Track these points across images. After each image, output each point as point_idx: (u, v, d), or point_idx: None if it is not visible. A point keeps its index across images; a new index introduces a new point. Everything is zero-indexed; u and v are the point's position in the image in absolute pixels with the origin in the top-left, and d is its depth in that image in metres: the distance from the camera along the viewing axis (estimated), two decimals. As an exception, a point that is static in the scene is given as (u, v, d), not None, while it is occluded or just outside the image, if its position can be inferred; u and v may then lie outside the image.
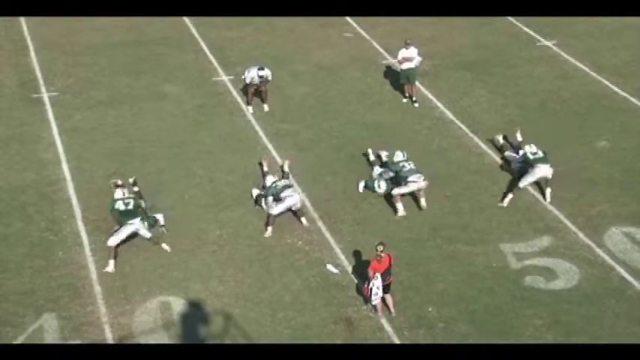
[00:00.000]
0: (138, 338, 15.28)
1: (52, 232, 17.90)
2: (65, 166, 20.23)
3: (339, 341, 15.14)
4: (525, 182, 18.81)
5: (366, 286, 15.50)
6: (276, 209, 17.90)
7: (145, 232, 17.22)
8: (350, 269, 16.96)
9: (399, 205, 18.35)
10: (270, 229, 17.79)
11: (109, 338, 15.29)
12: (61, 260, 17.10)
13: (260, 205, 18.49)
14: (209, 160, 20.49)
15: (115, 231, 17.05)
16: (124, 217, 17.08)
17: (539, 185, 19.04)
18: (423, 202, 18.54)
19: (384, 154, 19.76)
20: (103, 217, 17.97)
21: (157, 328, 15.55)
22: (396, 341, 15.23)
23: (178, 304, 16.05)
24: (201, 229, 18.09)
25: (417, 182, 18.42)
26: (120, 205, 17.21)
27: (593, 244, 17.60)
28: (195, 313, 15.86)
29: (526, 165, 18.90)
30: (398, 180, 18.62)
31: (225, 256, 17.34)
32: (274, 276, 16.79)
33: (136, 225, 17.08)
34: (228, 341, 15.16)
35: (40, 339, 15.22)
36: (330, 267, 16.99)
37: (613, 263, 17.08)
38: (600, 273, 16.84)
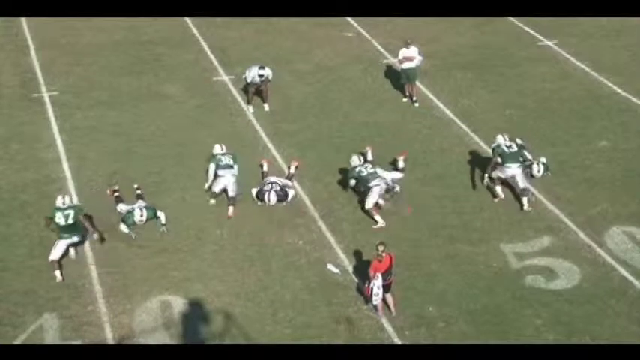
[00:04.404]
0: (138, 338, 15.27)
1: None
2: (65, 166, 20.22)
3: (339, 341, 15.13)
4: (494, 173, 18.59)
5: (366, 285, 15.49)
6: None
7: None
8: (350, 269, 16.95)
9: (378, 217, 18.02)
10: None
11: (110, 338, 15.28)
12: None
13: (262, 201, 18.63)
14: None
15: (54, 246, 16.57)
16: (62, 231, 16.49)
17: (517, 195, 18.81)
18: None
19: (369, 153, 19.39)
20: (104, 217, 17.96)
21: (158, 327, 15.54)
22: (397, 341, 15.22)
23: (179, 304, 16.04)
24: (201, 229, 18.09)
25: (379, 185, 18.10)
26: (60, 219, 16.43)
27: (593, 244, 17.59)
28: (195, 313, 15.86)
29: (498, 157, 18.46)
30: (359, 186, 18.27)
31: (225, 255, 17.34)
32: (274, 275, 16.78)
33: (74, 240, 16.67)
34: (228, 341, 15.15)
35: (41, 339, 15.20)
36: (330, 267, 16.98)
37: (614, 263, 17.07)
38: (601, 273, 16.83)
